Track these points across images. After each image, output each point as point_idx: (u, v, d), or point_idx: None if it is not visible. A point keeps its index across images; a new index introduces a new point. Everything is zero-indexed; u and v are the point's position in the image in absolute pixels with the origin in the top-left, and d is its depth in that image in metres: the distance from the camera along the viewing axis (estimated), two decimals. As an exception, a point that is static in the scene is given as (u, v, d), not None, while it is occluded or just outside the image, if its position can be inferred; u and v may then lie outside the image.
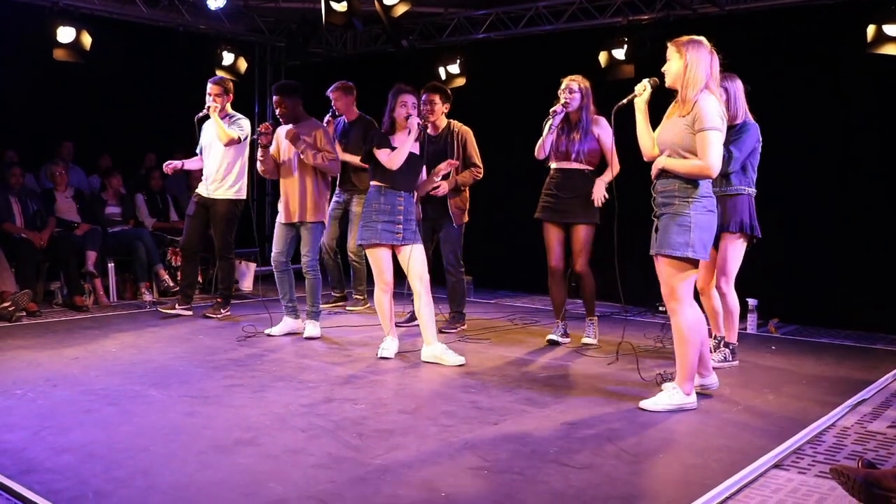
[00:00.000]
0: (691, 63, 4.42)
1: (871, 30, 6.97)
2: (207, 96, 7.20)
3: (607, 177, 6.20)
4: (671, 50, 4.52)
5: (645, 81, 4.75)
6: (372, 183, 5.83)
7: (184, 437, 4.01)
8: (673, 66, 4.50)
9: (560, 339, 6.48)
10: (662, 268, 4.55)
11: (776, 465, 3.81)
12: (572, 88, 6.17)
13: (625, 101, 4.82)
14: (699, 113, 4.37)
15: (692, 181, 4.45)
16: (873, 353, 6.49)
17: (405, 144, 5.69)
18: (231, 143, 7.20)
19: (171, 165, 7.46)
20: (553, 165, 6.37)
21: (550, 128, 6.19)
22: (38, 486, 3.31)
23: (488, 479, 3.52)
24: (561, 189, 6.29)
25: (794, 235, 7.63)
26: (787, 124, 7.52)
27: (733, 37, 7.25)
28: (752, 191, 5.59)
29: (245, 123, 7.35)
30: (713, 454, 3.93)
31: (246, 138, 7.31)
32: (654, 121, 4.79)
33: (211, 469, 3.57)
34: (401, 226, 5.73)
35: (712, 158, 4.35)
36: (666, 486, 3.54)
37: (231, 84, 7.44)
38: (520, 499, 3.31)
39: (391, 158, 5.66)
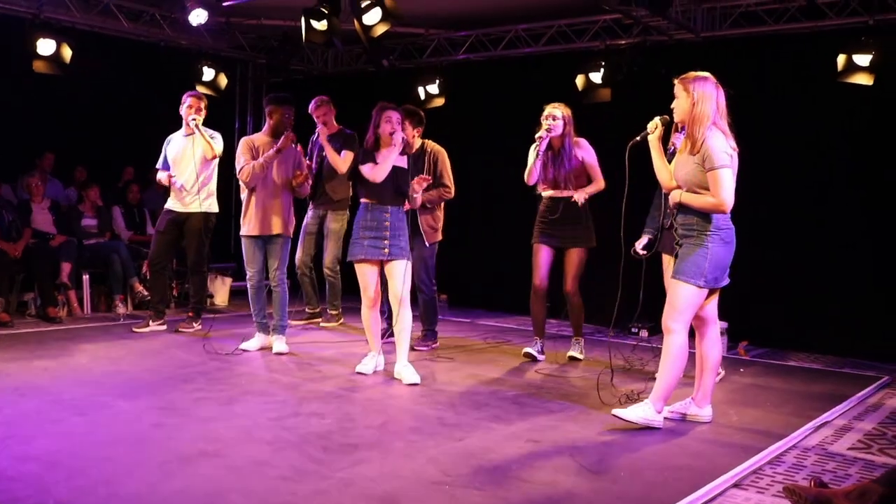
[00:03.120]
0: (698, 100, 4.55)
1: (841, 59, 7.12)
2: (187, 108, 7.19)
3: (590, 189, 6.43)
4: (678, 87, 4.65)
5: (656, 119, 4.87)
6: (360, 200, 5.88)
7: (149, 448, 4.02)
8: (680, 104, 4.64)
9: (537, 355, 6.58)
10: (672, 290, 4.68)
11: (735, 485, 3.86)
12: (555, 116, 6.33)
13: (638, 138, 4.95)
14: (707, 152, 4.50)
15: (708, 215, 4.59)
16: (840, 377, 6.56)
17: (388, 158, 5.74)
18: (214, 158, 7.25)
19: (168, 177, 7.37)
20: (544, 194, 6.56)
21: (537, 154, 6.31)
22: (0, 494, 3.31)
23: (448, 494, 3.55)
24: (556, 216, 6.47)
25: (765, 259, 7.71)
26: (758, 150, 7.61)
27: (708, 62, 7.34)
28: None
29: (220, 138, 7.37)
30: (674, 472, 3.98)
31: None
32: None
33: (174, 479, 3.58)
34: (388, 241, 5.75)
35: (724, 195, 4.49)
36: None
37: (207, 100, 7.45)
38: (479, 513, 3.35)
39: (374, 171, 5.71)
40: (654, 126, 4.88)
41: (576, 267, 6.48)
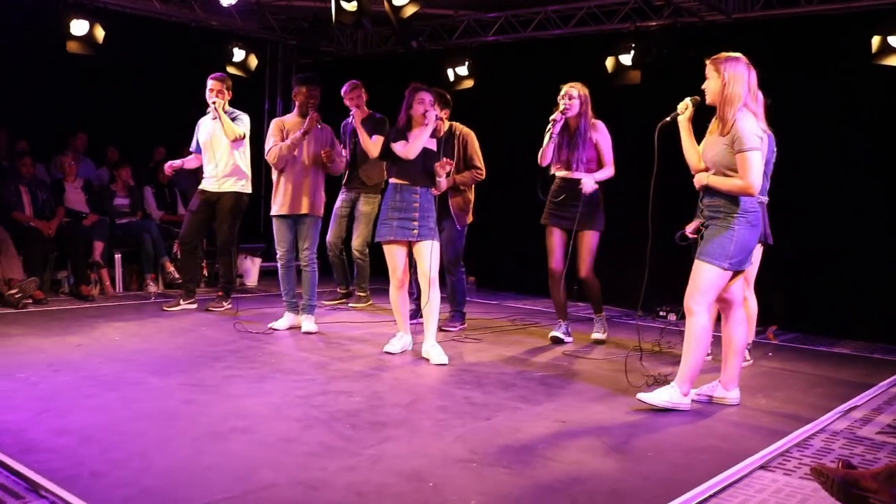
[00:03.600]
0: (729, 81, 4.53)
1: (876, 41, 7.02)
2: (209, 92, 7.25)
3: (599, 175, 6.38)
4: (709, 68, 4.63)
5: (687, 100, 4.86)
6: (390, 181, 5.91)
7: (180, 424, 4.09)
8: (711, 85, 4.62)
9: (563, 337, 6.61)
10: (696, 271, 4.68)
11: (762, 467, 3.86)
12: (571, 95, 6.30)
13: (668, 118, 4.93)
14: (737, 134, 4.48)
15: (735, 197, 4.58)
16: (870, 362, 6.53)
17: (420, 136, 5.76)
18: (237, 139, 7.30)
19: (172, 165, 7.57)
20: (557, 174, 6.53)
21: (551, 135, 6.30)
22: (37, 465, 3.39)
23: (476, 472, 3.58)
24: (566, 198, 6.42)
25: (796, 244, 7.65)
26: (791, 132, 7.53)
27: (739, 44, 7.29)
28: (765, 199, 5.74)
29: (246, 119, 7.43)
30: (700, 454, 3.99)
31: (246, 134, 7.40)
32: (698, 133, 4.90)
33: (205, 454, 3.64)
34: (417, 222, 5.78)
35: (752, 178, 4.47)
36: (651, 484, 3.59)
37: (231, 81, 7.49)
38: (506, 491, 3.38)
39: (406, 148, 5.74)
40: (685, 106, 4.86)
41: (588, 251, 6.45)
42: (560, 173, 6.50)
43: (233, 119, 7.31)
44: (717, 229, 4.62)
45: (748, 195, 4.55)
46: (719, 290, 4.70)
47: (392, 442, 3.94)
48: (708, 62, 4.66)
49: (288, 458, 3.65)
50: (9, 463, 3.41)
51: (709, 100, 4.68)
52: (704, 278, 4.63)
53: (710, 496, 3.46)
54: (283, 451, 3.73)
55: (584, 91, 6.36)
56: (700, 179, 4.73)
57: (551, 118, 6.29)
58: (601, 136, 6.38)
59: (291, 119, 6.74)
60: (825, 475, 3.20)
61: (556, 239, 6.52)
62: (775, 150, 5.72)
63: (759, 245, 5.76)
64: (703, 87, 4.69)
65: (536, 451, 3.90)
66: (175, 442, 3.79)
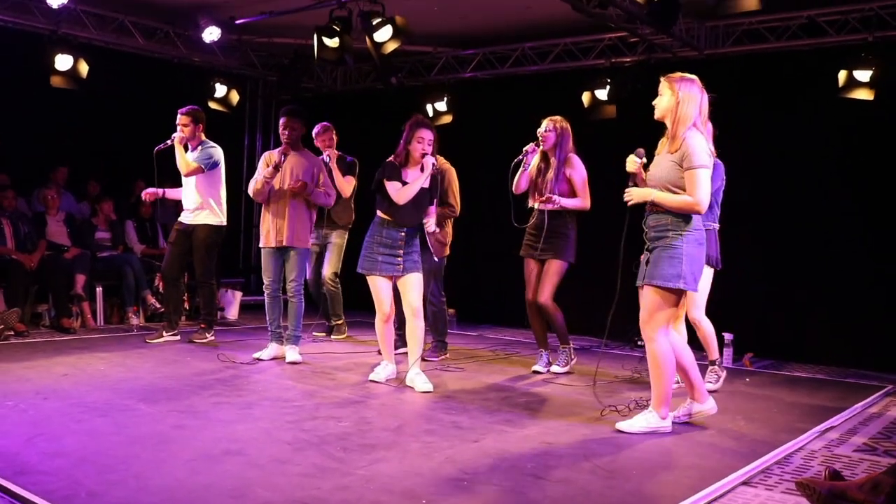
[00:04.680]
0: (683, 100, 4.59)
1: (842, 75, 7.28)
2: (177, 125, 7.32)
3: (570, 202, 6.43)
4: (664, 85, 4.69)
5: (632, 158, 4.87)
6: (378, 214, 5.88)
7: (173, 447, 4.12)
8: (664, 101, 4.68)
9: (544, 370, 6.65)
10: (649, 297, 4.68)
11: (744, 483, 3.96)
12: (548, 128, 6.45)
13: (630, 183, 4.88)
14: (687, 151, 4.54)
15: (683, 215, 4.62)
16: (844, 386, 6.68)
17: (417, 181, 5.73)
18: (191, 173, 7.27)
19: (150, 193, 7.61)
20: (534, 206, 6.62)
21: (523, 165, 6.44)
22: (33, 487, 3.41)
23: (468, 490, 3.65)
24: (540, 229, 6.51)
25: (770, 272, 7.85)
26: (763, 164, 7.77)
27: (711, 79, 7.51)
28: (716, 226, 5.87)
29: (215, 152, 7.39)
30: (685, 472, 4.09)
31: (214, 166, 7.35)
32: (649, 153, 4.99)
33: (200, 475, 3.69)
34: (401, 258, 5.81)
35: (701, 195, 4.52)
36: (638, 499, 3.68)
37: (202, 114, 7.50)
38: (498, 506, 3.46)
39: (400, 193, 5.70)
40: (633, 164, 4.87)
41: (552, 278, 6.46)
42: (535, 205, 6.62)
43: (202, 150, 7.34)
44: (664, 250, 4.62)
45: (696, 212, 4.58)
46: (674, 311, 4.75)
47: (383, 463, 4.00)
48: (663, 79, 4.72)
49: (282, 478, 3.70)
50: (4, 484, 3.44)
51: (657, 115, 4.72)
52: (657, 302, 4.65)
53: (696, 510, 3.56)
54: (277, 472, 3.78)
55: (563, 124, 6.49)
56: (644, 195, 4.70)
57: (524, 148, 6.43)
58: (575, 171, 6.47)
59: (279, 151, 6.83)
60: (811, 488, 3.29)
61: (531, 270, 6.62)
62: (724, 177, 5.85)
63: (710, 268, 5.89)
64: (654, 102, 4.74)
65: (525, 470, 3.98)
66: (169, 463, 3.83)
